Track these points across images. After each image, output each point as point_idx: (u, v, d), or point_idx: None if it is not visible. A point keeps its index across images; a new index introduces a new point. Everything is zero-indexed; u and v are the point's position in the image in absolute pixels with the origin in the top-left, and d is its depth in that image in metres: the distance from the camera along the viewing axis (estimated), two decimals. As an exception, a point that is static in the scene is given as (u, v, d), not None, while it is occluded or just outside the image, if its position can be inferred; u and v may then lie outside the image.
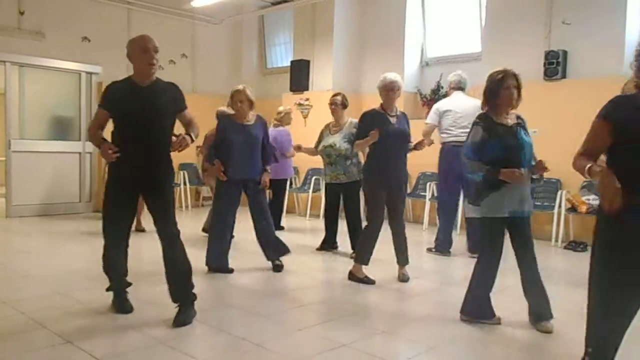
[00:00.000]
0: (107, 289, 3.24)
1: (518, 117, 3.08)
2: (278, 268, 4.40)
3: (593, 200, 5.53)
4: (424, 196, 6.93)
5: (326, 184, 5.31)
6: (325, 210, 5.40)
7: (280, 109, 6.83)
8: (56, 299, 3.47)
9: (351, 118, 5.11)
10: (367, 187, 4.21)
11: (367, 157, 4.24)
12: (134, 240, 3.32)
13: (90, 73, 7.85)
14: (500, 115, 3.03)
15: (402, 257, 4.16)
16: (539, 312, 3.06)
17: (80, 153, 7.75)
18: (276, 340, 2.82)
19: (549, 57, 6.07)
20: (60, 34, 7.48)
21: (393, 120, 4.09)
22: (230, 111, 4.61)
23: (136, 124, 3.00)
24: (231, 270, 4.29)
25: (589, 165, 1.99)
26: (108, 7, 8.00)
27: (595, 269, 2.08)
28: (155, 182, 3.09)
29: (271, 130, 6.61)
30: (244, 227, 4.91)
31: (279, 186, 6.58)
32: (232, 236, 4.53)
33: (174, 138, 3.06)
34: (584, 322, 2.14)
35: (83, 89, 7.85)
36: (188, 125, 3.21)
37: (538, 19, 6.27)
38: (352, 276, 4.09)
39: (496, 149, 2.94)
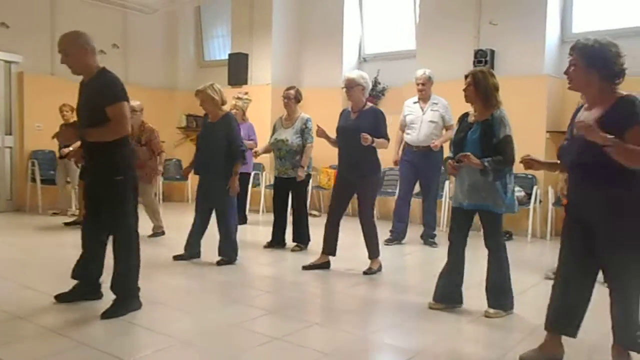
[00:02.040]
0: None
1: (491, 115, 3.12)
2: (221, 262, 4.44)
3: (517, 192, 5.77)
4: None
5: (275, 178, 5.28)
6: (274, 205, 5.28)
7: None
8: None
9: (303, 113, 5.13)
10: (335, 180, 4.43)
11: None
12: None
13: (9, 62, 7.32)
14: (474, 113, 3.21)
15: (369, 250, 4.25)
16: (494, 301, 3.21)
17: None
18: (205, 336, 2.78)
19: (478, 55, 6.35)
20: (-25, 19, 6.97)
21: (354, 116, 4.18)
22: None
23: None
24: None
25: None
26: (29, -8, 7.52)
27: None
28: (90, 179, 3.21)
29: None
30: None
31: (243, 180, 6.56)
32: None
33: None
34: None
35: (1, 78, 7.32)
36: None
37: (468, 19, 6.54)
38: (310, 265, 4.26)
39: (452, 143, 3.26)
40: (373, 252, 4.23)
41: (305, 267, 4.26)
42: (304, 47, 8.24)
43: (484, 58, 6.31)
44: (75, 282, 3.26)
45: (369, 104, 4.24)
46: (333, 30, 7.90)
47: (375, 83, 7.67)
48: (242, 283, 3.99)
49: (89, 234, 3.23)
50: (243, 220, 6.68)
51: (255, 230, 6.59)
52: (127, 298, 3.08)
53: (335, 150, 4.35)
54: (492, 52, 6.32)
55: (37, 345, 2.65)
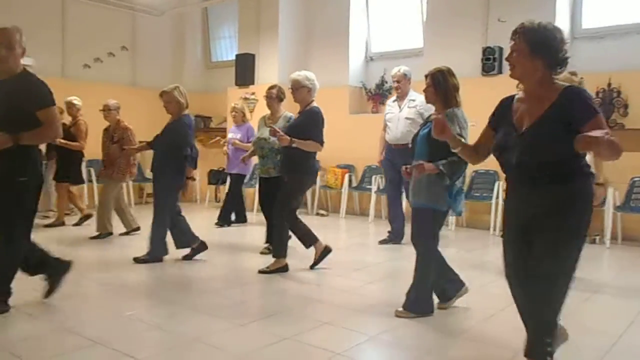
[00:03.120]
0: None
1: (446, 113, 3.05)
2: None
3: None
4: (370, 189, 7.12)
5: (259, 178, 5.24)
6: (260, 205, 5.28)
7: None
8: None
9: (286, 112, 5.05)
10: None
11: None
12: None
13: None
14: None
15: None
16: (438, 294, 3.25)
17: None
18: (216, 335, 2.81)
19: (486, 53, 6.33)
20: (-12, 24, 7.07)
21: (295, 116, 4.45)
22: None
23: None
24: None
25: None
26: (41, -4, 7.64)
27: None
28: None
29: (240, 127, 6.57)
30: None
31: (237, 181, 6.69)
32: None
33: None
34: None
35: (14, 81, 7.44)
36: None
37: (476, 16, 6.52)
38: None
39: None
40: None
41: (261, 271, 4.16)
42: (310, 47, 8.27)
43: (492, 55, 6.30)
44: None
45: (313, 105, 4.25)
46: (339, 29, 7.93)
47: (382, 82, 7.71)
48: (242, 283, 4.04)
49: None
50: (243, 219, 6.79)
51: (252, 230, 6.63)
52: None
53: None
54: (501, 49, 6.29)
55: (50, 343, 2.71)
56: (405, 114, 5.32)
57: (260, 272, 4.13)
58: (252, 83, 8.21)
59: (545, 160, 2.09)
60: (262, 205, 5.22)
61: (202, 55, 9.75)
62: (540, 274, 2.14)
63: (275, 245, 4.27)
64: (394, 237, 5.43)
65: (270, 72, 8.07)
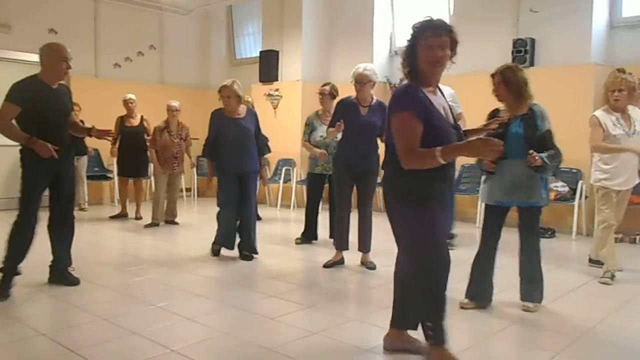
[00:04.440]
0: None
1: (530, 109, 3.14)
2: (247, 257, 4.54)
3: (561, 187, 5.72)
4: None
5: (312, 174, 5.22)
6: (311, 201, 5.29)
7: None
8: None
9: None
10: (334, 174, 4.39)
11: (337, 145, 4.38)
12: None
13: (57, 65, 7.76)
14: (506, 109, 3.21)
15: (363, 244, 4.29)
16: (525, 292, 3.27)
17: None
18: (245, 329, 2.90)
19: (517, 45, 6.17)
20: (26, 26, 7.38)
21: (364, 111, 4.19)
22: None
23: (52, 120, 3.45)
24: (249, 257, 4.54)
25: None
26: (74, -1, 7.91)
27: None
28: (64, 172, 3.55)
29: None
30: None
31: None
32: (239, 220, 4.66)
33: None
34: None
35: (50, 81, 7.75)
36: (74, 125, 3.72)
37: (506, 7, 6.39)
38: (328, 262, 4.29)
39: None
40: (367, 246, 4.29)
41: (326, 265, 4.28)
42: (334, 43, 8.32)
43: (523, 48, 6.13)
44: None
45: (375, 98, 4.27)
46: (363, 24, 7.93)
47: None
48: (272, 277, 4.16)
49: None
50: (257, 217, 6.86)
51: (287, 225, 6.76)
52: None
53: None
54: (533, 41, 6.15)
55: (90, 332, 2.87)
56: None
57: (367, 268, 4.21)
58: (276, 79, 8.31)
59: None
60: (313, 202, 5.28)
61: (226, 53, 9.90)
62: None
63: (368, 239, 4.29)
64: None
65: (294, 69, 8.16)
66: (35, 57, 7.93)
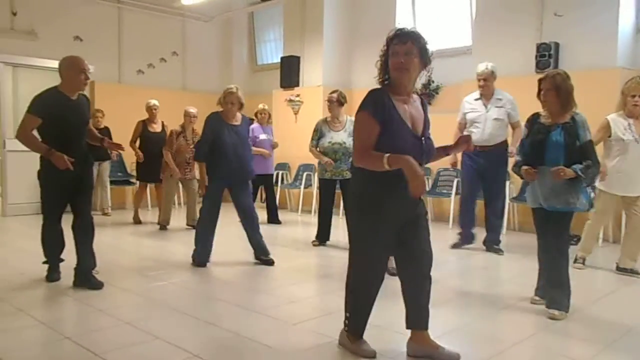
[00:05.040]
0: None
1: (572, 117, 3.11)
2: (269, 262, 4.52)
3: None
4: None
5: (323, 180, 5.31)
6: (322, 205, 5.40)
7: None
8: (48, 293, 3.58)
9: (350, 116, 5.23)
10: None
11: None
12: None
13: (82, 72, 7.91)
14: (547, 114, 3.19)
15: None
16: (550, 298, 3.22)
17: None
18: (268, 335, 2.88)
19: (541, 49, 6.09)
20: (52, 34, 7.53)
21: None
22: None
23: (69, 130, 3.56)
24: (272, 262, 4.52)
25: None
26: (99, 7, 8.06)
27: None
28: (83, 178, 3.68)
29: (265, 128, 6.89)
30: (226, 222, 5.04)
31: (269, 181, 6.93)
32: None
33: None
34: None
35: (76, 88, 7.91)
36: (90, 133, 3.88)
37: (529, 11, 6.31)
38: None
39: (525, 145, 3.26)
40: None
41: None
42: (355, 47, 8.30)
43: (547, 52, 6.03)
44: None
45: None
46: (385, 28, 7.64)
47: (429, 81, 7.63)
48: (293, 283, 4.13)
49: None
50: (277, 221, 6.90)
51: (310, 230, 6.73)
52: None
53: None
54: (557, 45, 6.06)
55: (113, 336, 2.88)
56: (493, 115, 4.96)
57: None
58: (297, 85, 8.33)
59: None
60: (325, 206, 5.37)
61: (248, 59, 9.97)
62: None
63: None
64: (465, 241, 5.27)
65: (315, 74, 8.17)
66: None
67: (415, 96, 2.48)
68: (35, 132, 3.55)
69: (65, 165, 3.40)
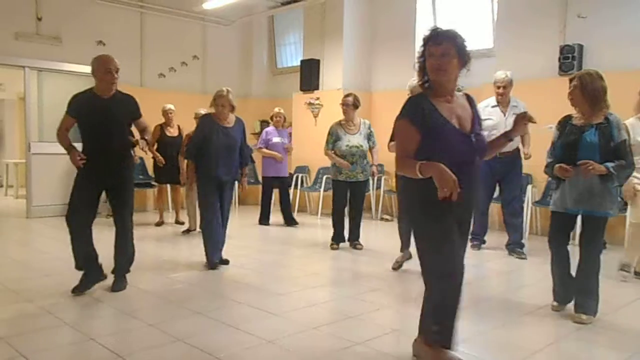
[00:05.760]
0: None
1: (606, 118, 3.07)
2: (225, 262, 4.54)
3: None
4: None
5: (336, 182, 5.35)
6: (336, 207, 5.43)
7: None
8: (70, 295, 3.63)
9: (362, 118, 5.36)
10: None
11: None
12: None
13: (105, 76, 8.04)
14: (579, 116, 3.15)
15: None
16: (578, 302, 3.17)
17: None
18: (289, 338, 2.87)
19: (564, 51, 6.00)
20: (76, 39, 7.66)
21: None
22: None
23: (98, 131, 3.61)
24: (227, 262, 4.54)
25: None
26: (122, 11, 8.17)
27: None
28: (118, 178, 3.71)
29: (281, 131, 6.92)
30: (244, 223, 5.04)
31: (284, 183, 7.00)
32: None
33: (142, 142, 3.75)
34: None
35: (99, 92, 8.05)
36: (143, 131, 3.84)
37: (552, 13, 6.22)
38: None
39: (557, 147, 3.19)
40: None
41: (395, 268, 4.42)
42: (375, 50, 8.27)
43: (570, 54, 5.95)
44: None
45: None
46: (405, 31, 7.85)
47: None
48: (312, 286, 4.11)
49: None
50: (292, 222, 6.92)
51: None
52: None
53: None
54: (581, 47, 5.96)
55: (136, 338, 2.90)
56: (512, 122, 5.07)
57: (394, 268, 4.41)
58: (317, 88, 8.32)
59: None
60: (340, 207, 5.39)
61: (268, 62, 10.00)
62: None
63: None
64: (481, 242, 5.37)
65: (335, 77, 8.15)
66: (84, 69, 8.23)
67: (459, 94, 2.44)
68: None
69: (77, 164, 3.52)
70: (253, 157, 5.13)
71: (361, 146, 5.18)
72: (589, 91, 3.02)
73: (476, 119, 2.44)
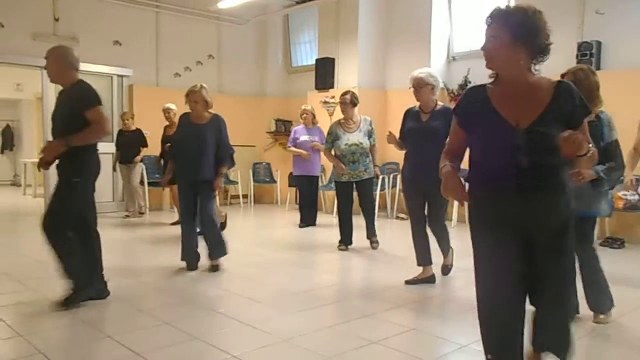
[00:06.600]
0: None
1: (597, 116, 2.95)
2: (214, 268, 4.31)
3: (630, 195, 5.42)
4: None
5: (339, 183, 5.22)
6: (341, 209, 5.32)
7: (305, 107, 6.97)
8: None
9: (363, 115, 5.28)
10: (403, 185, 4.21)
11: (403, 157, 4.18)
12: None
13: (122, 76, 8.12)
14: None
15: (442, 250, 4.15)
16: (593, 304, 3.10)
17: (112, 154, 7.96)
18: (305, 337, 2.85)
19: (582, 48, 5.90)
20: (93, 39, 7.74)
21: (425, 117, 3.98)
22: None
23: None
24: (216, 268, 4.30)
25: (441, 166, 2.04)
26: (138, 11, 8.23)
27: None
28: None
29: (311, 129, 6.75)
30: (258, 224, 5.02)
31: (313, 182, 6.88)
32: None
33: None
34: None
35: (115, 91, 8.11)
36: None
37: (570, 9, 6.12)
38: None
39: None
40: (447, 250, 4.14)
41: (408, 282, 3.97)
42: (390, 48, 8.20)
43: (588, 51, 5.83)
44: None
45: (440, 103, 4.03)
46: (420, 29, 7.78)
47: (465, 82, 7.47)
48: (325, 285, 4.07)
49: None
50: (313, 221, 6.84)
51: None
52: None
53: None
54: (599, 44, 5.85)
55: (153, 336, 2.90)
56: None
57: (407, 282, 3.96)
58: (332, 87, 8.28)
59: (551, 163, 1.92)
60: (345, 209, 5.29)
61: (283, 61, 9.99)
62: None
63: (445, 245, 4.12)
64: None
65: (350, 76, 8.10)
66: (101, 68, 8.28)
67: (537, 82, 2.00)
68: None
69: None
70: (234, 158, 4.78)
71: (361, 144, 5.08)
72: (585, 87, 2.86)
73: (549, 112, 1.93)
